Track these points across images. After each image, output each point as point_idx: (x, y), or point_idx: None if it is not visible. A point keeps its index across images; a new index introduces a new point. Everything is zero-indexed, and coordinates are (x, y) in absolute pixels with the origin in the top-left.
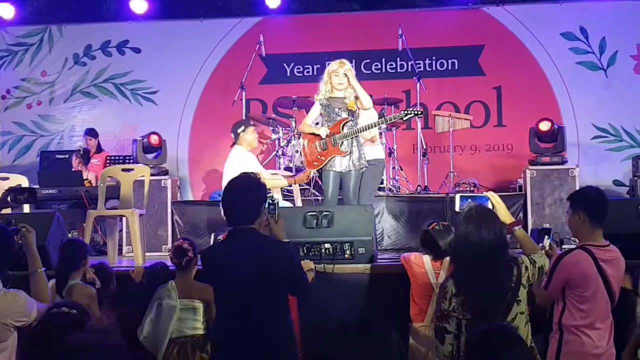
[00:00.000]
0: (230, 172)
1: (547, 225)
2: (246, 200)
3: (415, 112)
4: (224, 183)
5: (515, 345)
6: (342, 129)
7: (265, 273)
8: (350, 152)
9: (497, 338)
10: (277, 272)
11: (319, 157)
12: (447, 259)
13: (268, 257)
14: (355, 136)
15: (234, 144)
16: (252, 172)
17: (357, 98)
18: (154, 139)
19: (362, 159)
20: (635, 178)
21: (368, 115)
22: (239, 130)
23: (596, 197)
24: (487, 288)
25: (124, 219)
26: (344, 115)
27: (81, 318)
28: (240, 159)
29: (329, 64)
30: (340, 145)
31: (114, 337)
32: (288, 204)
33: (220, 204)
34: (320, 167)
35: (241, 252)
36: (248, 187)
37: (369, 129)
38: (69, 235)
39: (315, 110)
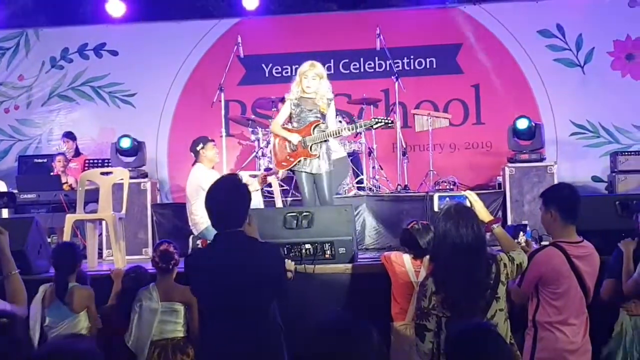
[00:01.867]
0: (194, 193)
1: (525, 222)
2: (233, 203)
3: (386, 121)
4: (190, 204)
5: (494, 342)
6: (313, 131)
7: (258, 277)
8: (319, 155)
9: (476, 335)
10: (269, 276)
11: (288, 157)
12: (427, 257)
13: (261, 261)
14: (326, 140)
15: (195, 162)
16: (235, 174)
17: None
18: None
19: (331, 160)
20: (613, 174)
21: (332, 115)
22: (198, 148)
23: (567, 194)
24: (466, 286)
25: (103, 222)
26: (315, 116)
27: (10, 325)
28: (204, 179)
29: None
30: (310, 148)
31: (86, 342)
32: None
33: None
34: (289, 167)
35: (232, 256)
36: (235, 189)
37: (339, 134)
38: (49, 240)
39: (286, 110)
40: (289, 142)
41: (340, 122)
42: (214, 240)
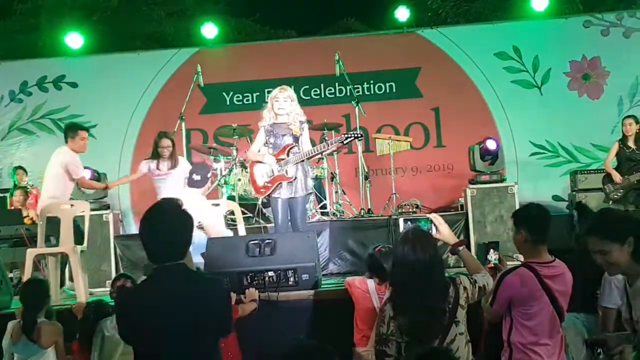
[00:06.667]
0: None
1: (494, 241)
2: (175, 231)
3: (355, 135)
4: None
5: None
6: (288, 154)
7: (201, 315)
8: (295, 178)
9: None
10: (212, 314)
11: (266, 183)
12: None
13: (205, 297)
14: (301, 162)
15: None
16: (173, 198)
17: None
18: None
19: (308, 184)
20: (574, 193)
21: (306, 138)
22: None
23: (536, 214)
24: (421, 311)
25: None
26: (289, 140)
27: None
28: None
29: (269, 91)
30: (286, 172)
31: None
32: (229, 233)
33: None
34: (268, 193)
35: (173, 293)
36: (176, 215)
37: (313, 155)
38: (11, 274)
39: (261, 137)
40: (266, 167)
41: None
42: (151, 276)
